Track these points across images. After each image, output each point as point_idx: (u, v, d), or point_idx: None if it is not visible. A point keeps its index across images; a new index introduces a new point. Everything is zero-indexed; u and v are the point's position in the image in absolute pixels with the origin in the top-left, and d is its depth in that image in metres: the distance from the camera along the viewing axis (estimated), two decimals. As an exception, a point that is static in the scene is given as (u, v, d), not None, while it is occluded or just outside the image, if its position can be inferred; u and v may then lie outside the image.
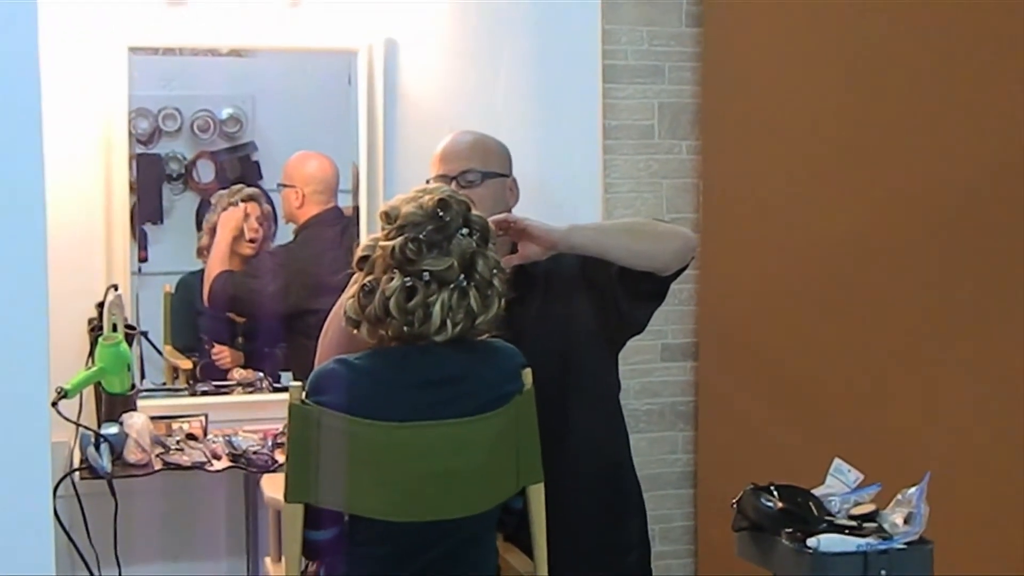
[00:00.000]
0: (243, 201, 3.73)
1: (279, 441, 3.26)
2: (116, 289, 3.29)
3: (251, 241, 3.76)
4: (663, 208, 3.87)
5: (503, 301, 2.39)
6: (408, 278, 2.30)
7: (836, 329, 3.71)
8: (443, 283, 2.31)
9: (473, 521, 2.38)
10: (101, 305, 3.34)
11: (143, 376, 3.68)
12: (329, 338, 2.64)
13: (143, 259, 3.57)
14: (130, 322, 3.44)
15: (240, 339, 3.88)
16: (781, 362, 3.81)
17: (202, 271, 3.75)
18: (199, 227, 3.70)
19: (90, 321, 3.43)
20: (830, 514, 3.01)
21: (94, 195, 3.45)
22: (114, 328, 3.18)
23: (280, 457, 3.19)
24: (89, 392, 3.32)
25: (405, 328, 2.31)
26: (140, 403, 3.37)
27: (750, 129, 3.80)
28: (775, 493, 3.04)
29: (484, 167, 2.87)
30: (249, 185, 3.71)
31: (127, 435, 3.13)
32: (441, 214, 2.33)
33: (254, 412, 3.61)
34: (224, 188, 3.69)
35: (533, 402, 2.47)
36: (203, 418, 3.40)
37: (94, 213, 3.45)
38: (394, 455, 2.32)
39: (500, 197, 2.88)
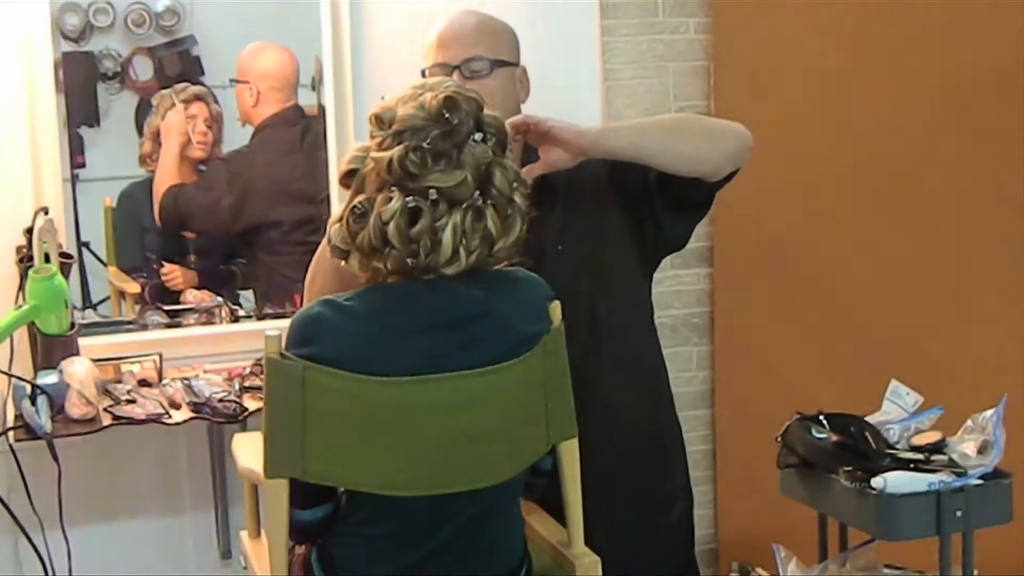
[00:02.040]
0: (186, 102, 3.41)
1: (247, 384, 2.81)
2: (47, 213, 2.82)
3: (200, 145, 3.43)
4: (669, 96, 3.48)
5: (526, 221, 1.93)
6: (410, 197, 1.86)
7: (870, 229, 3.35)
8: (454, 202, 1.88)
9: (496, 491, 1.98)
10: (30, 231, 2.86)
11: (86, 303, 3.34)
12: (318, 280, 2.20)
13: (80, 164, 3.28)
14: (65, 249, 2.97)
15: (193, 257, 3.55)
16: (807, 268, 3.43)
17: (147, 181, 3.42)
18: (139, 129, 3.39)
19: (18, 250, 2.96)
20: (890, 445, 2.66)
21: (15, 102, 3.01)
22: (47, 259, 2.76)
23: (251, 403, 2.74)
24: (21, 334, 2.89)
25: (408, 260, 1.87)
26: (82, 342, 2.90)
27: (767, 2, 3.39)
28: (825, 423, 2.65)
29: (492, 54, 2.41)
30: (192, 83, 3.40)
31: (68, 385, 2.67)
32: (448, 115, 1.88)
33: (215, 346, 3.20)
34: (165, 87, 3.37)
35: (563, 343, 2.05)
36: (156, 359, 2.95)
37: (16, 122, 2.99)
38: (399, 417, 1.91)
39: (511, 91, 2.42)
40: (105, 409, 2.68)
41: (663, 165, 2.22)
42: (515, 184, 1.94)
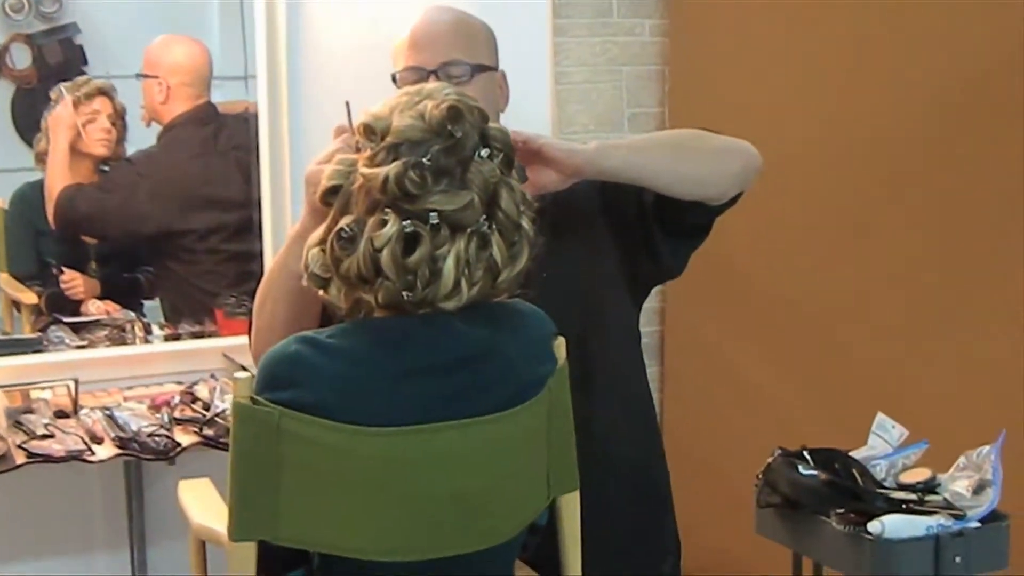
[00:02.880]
0: (88, 96, 3.20)
1: (177, 415, 2.52)
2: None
3: (102, 142, 3.22)
4: (623, 101, 3.29)
5: (532, 249, 1.72)
6: (408, 221, 1.61)
7: (844, 245, 3.13)
8: (457, 228, 1.63)
9: (491, 553, 1.74)
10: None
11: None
12: (268, 306, 1.93)
13: None
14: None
15: (94, 264, 3.30)
16: (771, 286, 3.23)
17: (42, 182, 3.17)
18: (15, 121, 3.19)
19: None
20: (878, 483, 2.47)
21: None
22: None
23: (183, 437, 2.46)
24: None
25: (404, 293, 1.62)
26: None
27: (726, 5, 3.21)
28: (810, 459, 2.46)
29: (472, 58, 2.16)
30: (76, 74, 3.20)
31: (-27, 417, 2.36)
32: (452, 128, 1.64)
33: (130, 369, 2.90)
34: (48, 77, 3.18)
35: (567, 384, 1.81)
36: (71, 385, 2.64)
37: None
38: (388, 473, 1.66)
39: (492, 98, 2.18)
40: (19, 445, 2.37)
41: (663, 187, 2.00)
42: (522, 207, 1.71)
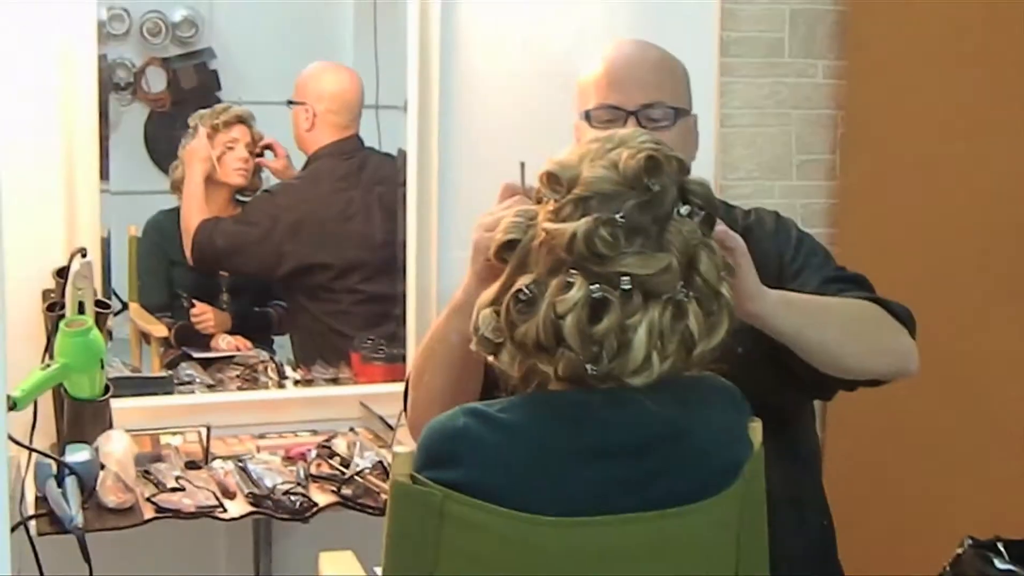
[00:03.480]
0: (227, 124, 3.10)
1: (314, 472, 2.36)
2: (84, 255, 2.37)
3: (239, 172, 3.12)
4: (791, 147, 3.05)
5: (732, 320, 1.51)
6: (596, 286, 1.42)
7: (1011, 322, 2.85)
8: (652, 294, 1.45)
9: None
10: (61, 273, 2.42)
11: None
12: (426, 376, 1.78)
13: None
14: (100, 295, 2.53)
15: (225, 296, 3.20)
16: (941, 350, 2.94)
17: (176, 211, 3.07)
18: (147, 143, 3.16)
19: (45, 295, 2.51)
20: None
21: (48, 112, 2.59)
22: (81, 308, 2.33)
23: (319, 497, 2.30)
24: (45, 399, 2.43)
25: (589, 366, 1.42)
26: (113, 404, 2.44)
27: (909, 46, 2.96)
28: (1005, 553, 2.22)
29: (674, 100, 1.96)
30: (213, 98, 3.15)
31: (103, 465, 2.21)
32: (649, 181, 1.45)
33: (263, 415, 2.76)
34: (180, 101, 3.14)
35: (763, 476, 1.60)
36: (202, 432, 2.49)
37: (48, 136, 2.58)
38: (558, 566, 1.47)
39: (688, 146, 1.97)
40: (148, 499, 2.22)
41: (812, 357, 1.76)
42: (723, 273, 1.51)
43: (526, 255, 1.50)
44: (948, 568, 2.27)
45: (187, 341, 3.07)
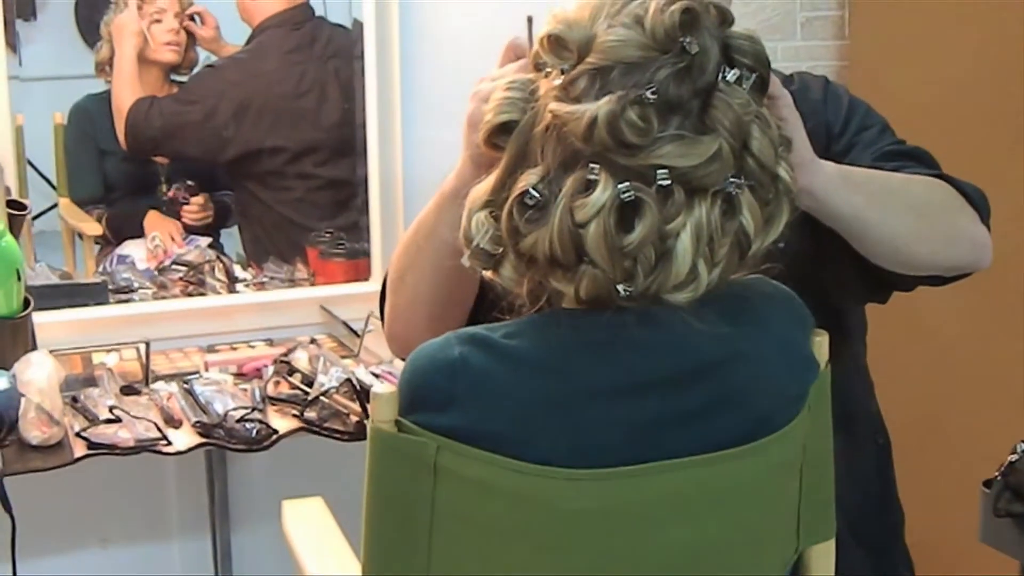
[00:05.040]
0: None
1: (272, 394, 2.05)
2: (-10, 148, 2.02)
3: (170, 47, 2.78)
4: (796, 2, 2.74)
5: (792, 209, 1.19)
6: (626, 184, 1.09)
7: None
8: (697, 190, 1.12)
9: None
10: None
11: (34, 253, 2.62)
12: (415, 280, 1.45)
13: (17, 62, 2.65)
14: (15, 195, 2.19)
15: (164, 187, 2.86)
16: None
17: (105, 94, 2.77)
18: (79, 24, 2.79)
19: (-50, 197, 2.17)
20: None
21: None
22: (-10, 212, 1.97)
23: (279, 422, 1.99)
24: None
25: (621, 287, 1.11)
26: (35, 318, 2.12)
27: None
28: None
29: None
30: None
31: (22, 396, 1.90)
32: (686, 41, 1.11)
33: (211, 323, 2.43)
34: None
35: (829, 399, 1.30)
36: (141, 349, 2.17)
37: None
38: (590, 528, 1.17)
39: None
40: (78, 434, 1.91)
41: (870, 249, 1.45)
42: (780, 149, 1.19)
43: (527, 142, 1.16)
44: (1000, 476, 2.02)
45: (124, 233, 2.78)
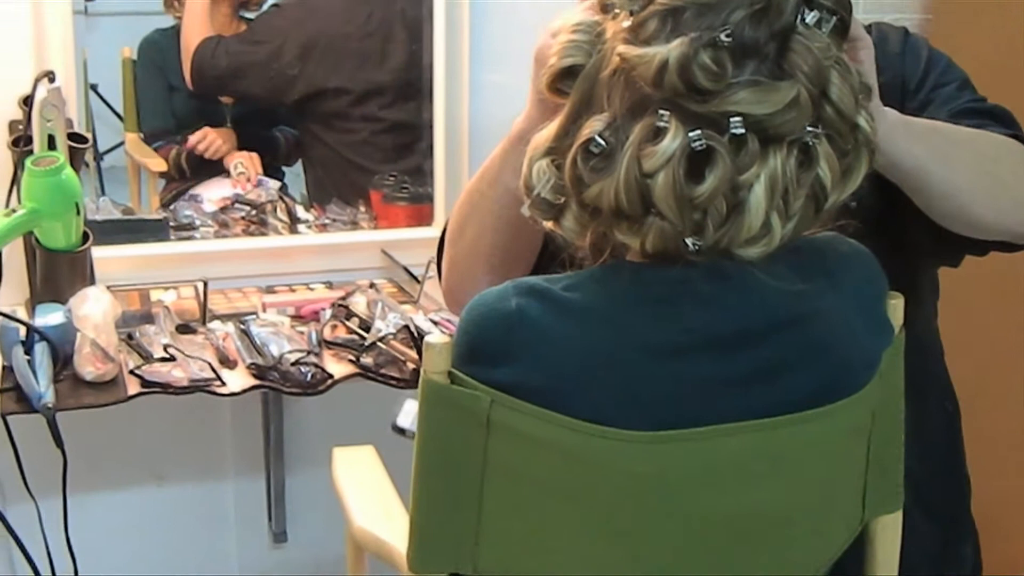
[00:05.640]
0: None
1: (327, 337, 2.01)
2: (52, 80, 2.00)
3: None
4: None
5: (872, 159, 1.13)
6: (697, 132, 1.04)
7: None
8: (772, 139, 1.06)
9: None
10: (27, 101, 2.06)
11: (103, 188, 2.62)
12: (475, 232, 1.41)
13: None
14: (76, 129, 2.17)
15: (230, 126, 2.80)
16: None
17: (175, 29, 2.71)
18: None
19: (11, 127, 2.15)
20: None
21: None
22: (51, 143, 1.98)
23: (335, 367, 1.96)
24: (14, 249, 2.09)
25: (690, 240, 1.06)
26: (95, 252, 2.10)
27: None
28: None
29: None
30: None
31: (78, 331, 1.88)
32: None
33: (271, 264, 2.42)
34: None
35: (902, 365, 1.24)
36: (199, 287, 2.14)
37: None
38: (654, 491, 1.13)
39: None
40: (132, 371, 1.88)
41: (933, 206, 1.37)
42: (860, 96, 1.12)
43: (593, 87, 1.11)
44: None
45: (191, 171, 2.73)
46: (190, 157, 2.72)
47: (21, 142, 2.05)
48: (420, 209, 2.62)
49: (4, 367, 1.90)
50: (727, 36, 1.04)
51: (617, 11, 1.10)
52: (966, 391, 1.70)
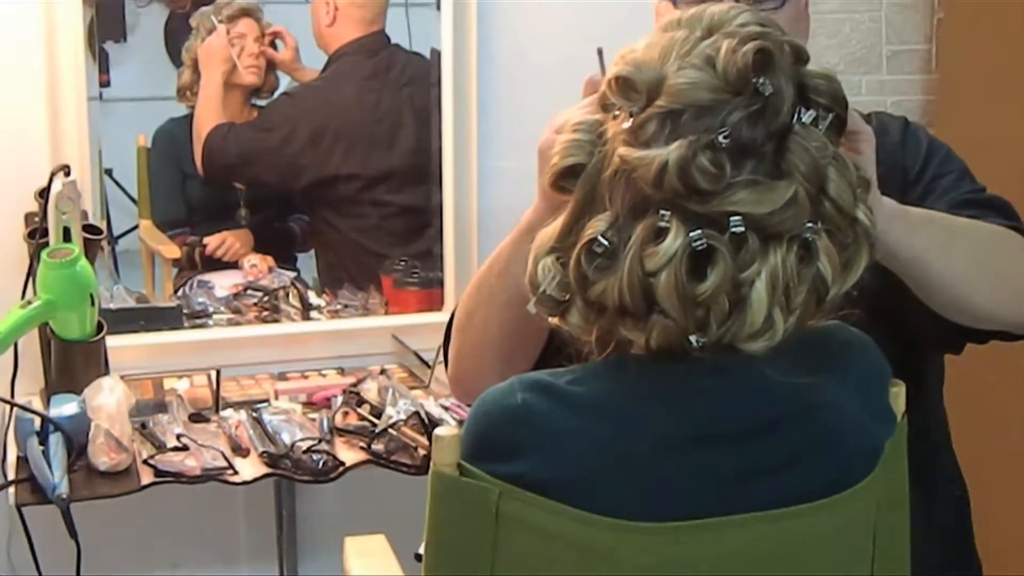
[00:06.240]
0: (231, 18, 2.78)
1: (340, 425, 2.03)
2: (68, 173, 2.03)
3: (250, 69, 2.78)
4: (881, 36, 2.68)
5: (871, 251, 1.15)
6: (698, 232, 1.06)
7: None
8: (772, 237, 1.08)
9: None
10: (43, 194, 2.09)
11: (117, 274, 2.66)
12: (483, 320, 1.44)
13: (104, 83, 2.68)
14: (91, 218, 2.21)
15: (243, 211, 2.88)
16: None
17: (188, 118, 2.78)
18: (167, 47, 2.83)
19: (27, 219, 2.19)
20: None
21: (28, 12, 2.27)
22: (66, 235, 2.01)
23: (346, 454, 1.97)
24: (29, 340, 2.11)
25: (694, 337, 1.08)
26: (109, 341, 2.12)
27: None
28: None
29: None
30: None
31: (91, 421, 1.90)
32: (759, 82, 1.08)
33: (284, 351, 2.44)
34: (208, 4, 2.76)
35: (905, 455, 1.25)
36: (211, 376, 2.17)
37: (28, 38, 2.28)
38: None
39: (802, 33, 1.58)
40: (145, 461, 1.91)
41: (931, 296, 1.40)
42: (859, 191, 1.15)
43: (595, 186, 1.13)
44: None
45: (203, 265, 2.78)
46: (193, 251, 2.77)
47: (37, 234, 2.08)
48: (430, 294, 2.65)
49: (19, 458, 1.93)
50: (725, 138, 1.06)
51: (617, 112, 1.13)
52: (974, 475, 1.71)
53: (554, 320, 1.17)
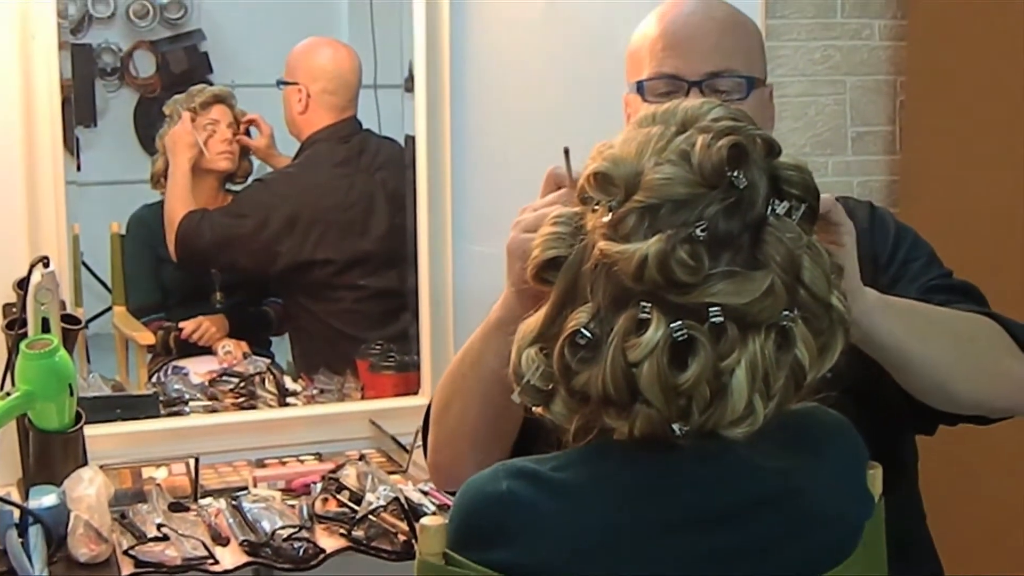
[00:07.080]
0: (204, 105, 2.83)
1: (320, 512, 2.04)
2: (47, 265, 2.05)
3: (223, 155, 2.84)
4: (846, 118, 2.73)
5: (846, 336, 1.18)
6: (678, 323, 1.09)
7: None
8: (750, 326, 1.11)
9: None
10: (22, 284, 2.11)
11: (88, 360, 2.64)
12: (460, 410, 1.47)
13: (76, 168, 2.71)
14: (68, 307, 2.22)
15: (218, 295, 2.91)
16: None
17: (162, 204, 2.80)
18: (137, 131, 2.90)
19: (5, 310, 2.19)
20: None
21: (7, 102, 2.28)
22: (45, 326, 2.02)
23: (327, 542, 1.98)
24: (9, 432, 2.11)
25: (676, 425, 1.10)
26: (86, 431, 2.12)
27: (975, 1, 2.67)
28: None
29: (747, 68, 1.64)
30: (199, 81, 2.89)
31: (71, 512, 1.89)
32: (735, 176, 1.11)
33: (260, 437, 2.44)
34: (170, 86, 2.88)
35: (884, 535, 1.27)
36: (190, 464, 2.17)
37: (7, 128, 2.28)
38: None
39: (767, 124, 1.64)
40: (125, 552, 1.90)
41: (911, 382, 1.44)
42: (832, 276, 1.18)
43: (576, 279, 1.16)
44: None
45: (178, 350, 2.80)
46: (171, 338, 2.78)
47: (16, 325, 2.08)
48: (407, 378, 2.66)
49: (-2, 551, 1.91)
50: (702, 231, 1.09)
51: (596, 206, 1.15)
52: (949, 551, 1.73)
53: (538, 410, 1.19)
